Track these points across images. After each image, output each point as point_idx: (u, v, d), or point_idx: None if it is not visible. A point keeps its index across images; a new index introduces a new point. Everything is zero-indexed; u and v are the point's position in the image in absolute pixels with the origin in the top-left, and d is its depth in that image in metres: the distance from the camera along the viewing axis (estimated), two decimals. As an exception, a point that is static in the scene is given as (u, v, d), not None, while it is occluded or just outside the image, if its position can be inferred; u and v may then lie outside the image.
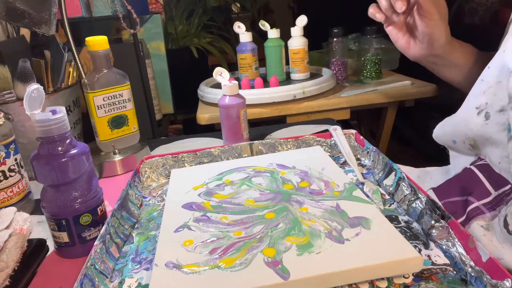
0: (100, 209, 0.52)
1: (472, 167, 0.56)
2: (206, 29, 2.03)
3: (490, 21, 1.70)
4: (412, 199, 0.50)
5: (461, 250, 0.40)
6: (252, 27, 1.85)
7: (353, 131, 0.72)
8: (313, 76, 1.31)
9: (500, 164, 0.51)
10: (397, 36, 0.67)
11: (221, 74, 0.77)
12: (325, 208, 0.49)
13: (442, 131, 0.60)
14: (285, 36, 1.27)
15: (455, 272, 0.39)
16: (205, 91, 1.27)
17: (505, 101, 0.47)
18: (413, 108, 1.33)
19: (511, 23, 0.52)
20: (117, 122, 0.76)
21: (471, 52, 0.66)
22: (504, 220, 0.46)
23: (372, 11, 0.65)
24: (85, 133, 0.90)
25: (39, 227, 0.59)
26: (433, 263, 0.41)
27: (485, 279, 0.36)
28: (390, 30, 0.68)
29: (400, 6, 0.60)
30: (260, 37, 1.51)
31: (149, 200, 0.61)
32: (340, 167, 0.63)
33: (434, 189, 0.59)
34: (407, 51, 0.68)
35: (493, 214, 0.49)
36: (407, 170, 0.68)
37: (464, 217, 0.51)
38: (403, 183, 0.53)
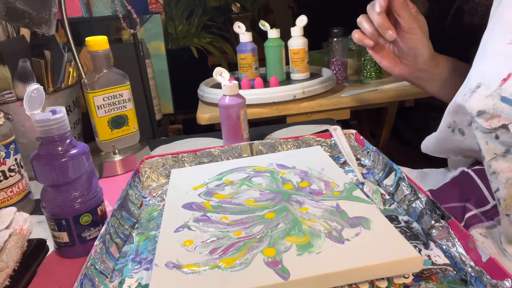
0: (100, 209, 0.52)
1: (469, 171, 0.56)
2: (206, 29, 2.03)
3: (490, 21, 1.70)
4: (412, 199, 0.50)
5: (461, 250, 0.40)
6: (252, 27, 1.85)
7: (353, 131, 0.72)
8: (313, 76, 1.31)
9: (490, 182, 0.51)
10: (382, 57, 0.68)
11: (221, 74, 0.77)
12: (325, 208, 0.49)
13: (428, 148, 0.61)
14: (285, 36, 1.27)
15: (455, 272, 0.39)
16: (205, 91, 1.27)
17: (469, 118, 0.47)
18: (413, 108, 1.33)
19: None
20: (117, 122, 0.76)
21: (456, 65, 0.67)
22: (500, 238, 0.46)
23: (358, 37, 0.65)
24: (85, 133, 0.90)
25: (39, 227, 0.59)
26: (433, 263, 0.41)
27: (485, 279, 0.36)
28: (373, 52, 0.68)
29: (391, 35, 0.60)
30: (260, 37, 1.51)
31: (149, 200, 0.61)
32: (340, 167, 0.63)
33: (431, 192, 0.59)
34: (392, 69, 0.68)
35: (491, 223, 0.49)
36: (405, 171, 0.68)
37: (462, 224, 0.51)
38: (403, 183, 0.53)
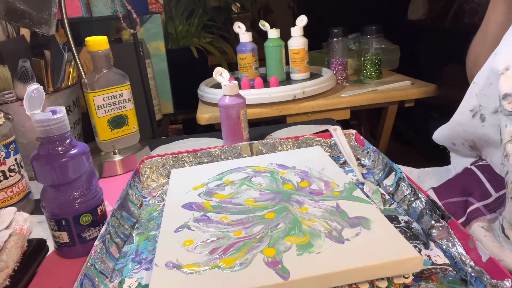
0: (100, 209, 0.52)
1: (473, 167, 0.56)
2: (206, 29, 2.02)
3: (490, 21, 1.70)
4: (412, 199, 0.50)
5: (461, 250, 0.40)
6: (252, 27, 1.85)
7: (353, 131, 0.72)
8: (313, 76, 1.31)
9: (501, 165, 0.51)
10: None
11: (221, 74, 0.77)
12: (325, 208, 0.49)
13: (441, 135, 0.60)
14: (285, 36, 1.27)
15: (455, 272, 0.39)
16: (205, 91, 1.27)
17: (498, 103, 0.47)
18: (413, 108, 1.33)
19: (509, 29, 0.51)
20: (117, 122, 0.76)
21: None
22: (501, 225, 0.46)
23: None
24: (85, 133, 0.90)
25: (39, 227, 0.59)
26: (433, 263, 0.41)
27: (485, 279, 0.36)
28: None
29: None
30: (260, 37, 1.51)
31: (149, 200, 0.61)
32: (340, 167, 0.63)
33: (434, 189, 0.59)
34: None
35: (493, 216, 0.49)
36: (407, 170, 0.68)
37: (464, 218, 0.51)
38: (403, 183, 0.53)
